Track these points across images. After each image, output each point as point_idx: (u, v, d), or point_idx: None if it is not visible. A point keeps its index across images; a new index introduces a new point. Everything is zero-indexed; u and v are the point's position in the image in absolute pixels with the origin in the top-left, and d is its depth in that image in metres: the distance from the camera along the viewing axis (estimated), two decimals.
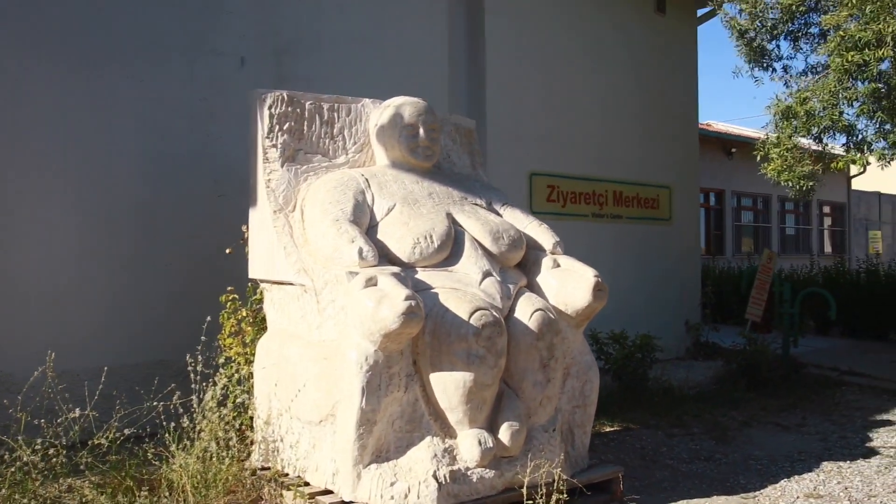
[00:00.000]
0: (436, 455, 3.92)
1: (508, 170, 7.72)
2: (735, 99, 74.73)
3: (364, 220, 4.34)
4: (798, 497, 4.69)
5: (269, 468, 4.33)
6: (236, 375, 4.63)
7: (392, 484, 3.84)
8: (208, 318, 4.56)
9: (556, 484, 4.10)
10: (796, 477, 5.06)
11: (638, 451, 5.67)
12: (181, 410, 4.33)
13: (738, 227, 19.53)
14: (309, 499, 4.02)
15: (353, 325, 3.88)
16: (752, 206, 20.17)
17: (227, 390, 4.57)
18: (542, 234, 4.77)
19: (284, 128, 4.59)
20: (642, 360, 7.16)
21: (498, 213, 4.82)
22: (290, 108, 4.63)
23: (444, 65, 7.38)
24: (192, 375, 4.40)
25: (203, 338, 4.48)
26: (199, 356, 4.41)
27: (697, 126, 10.10)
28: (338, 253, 4.12)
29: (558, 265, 4.62)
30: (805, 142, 7.64)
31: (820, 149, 7.78)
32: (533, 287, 4.56)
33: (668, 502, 4.56)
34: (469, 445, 3.97)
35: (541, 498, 4.06)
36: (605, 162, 8.66)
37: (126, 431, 4.27)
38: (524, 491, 4.02)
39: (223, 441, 4.24)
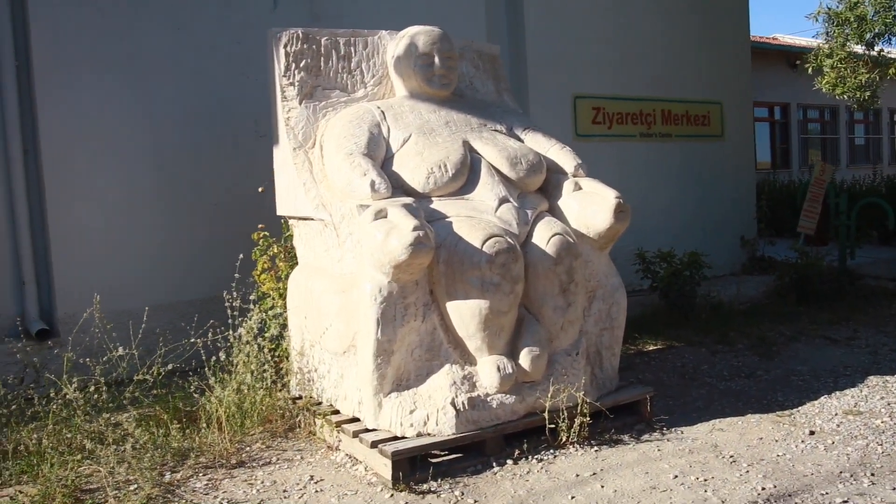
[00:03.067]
0: (454, 382, 3.71)
1: (551, 94, 7.26)
2: (801, 10, 69.96)
3: (379, 153, 4.07)
4: (836, 414, 4.30)
5: (303, 398, 4.22)
6: (271, 311, 4.50)
7: (411, 412, 3.66)
8: (241, 256, 4.42)
9: (579, 407, 3.86)
10: (837, 393, 4.65)
11: (678, 369, 5.33)
12: (219, 346, 4.26)
13: (805, 139, 18.34)
14: (336, 427, 3.89)
15: (366, 258, 3.66)
16: (818, 118, 18.87)
17: (264, 324, 4.45)
18: (564, 157, 4.40)
19: (301, 65, 4.32)
20: (690, 277, 6.73)
21: (519, 139, 4.47)
22: (305, 46, 4.35)
23: None
24: (228, 311, 4.31)
25: (237, 275, 4.36)
26: (235, 292, 4.30)
27: (749, 38, 9.29)
28: (351, 186, 3.88)
29: (580, 188, 4.26)
30: (859, 49, 6.89)
31: (875, 55, 7.00)
32: (554, 211, 4.23)
33: (698, 422, 4.24)
34: (488, 372, 3.74)
35: (563, 421, 3.82)
36: (651, 81, 8.05)
37: (169, 367, 4.23)
38: (546, 415, 3.80)
39: (258, 373, 4.15)
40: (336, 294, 3.92)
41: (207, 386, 4.10)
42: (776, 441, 3.93)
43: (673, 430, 4.14)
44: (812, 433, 4.02)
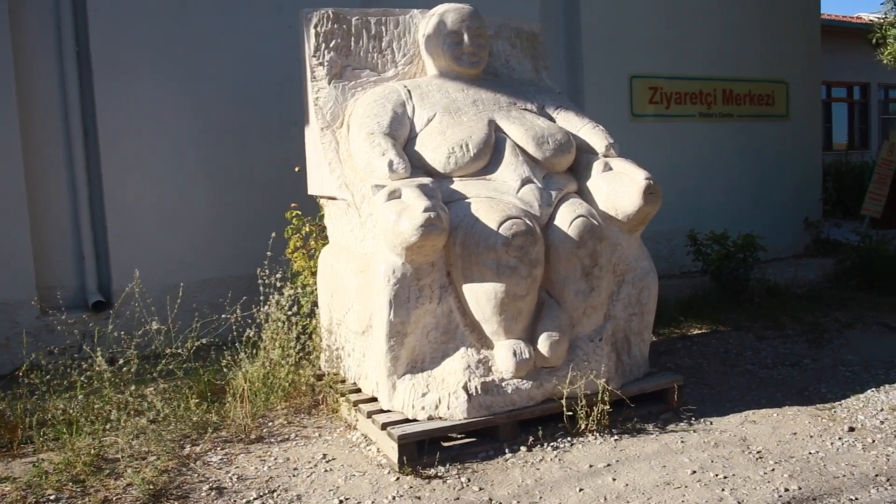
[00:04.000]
0: (469, 366, 3.47)
1: (606, 73, 6.85)
2: None
3: (402, 132, 3.84)
4: (882, 409, 3.85)
5: (333, 373, 4.07)
6: (302, 289, 4.36)
7: (424, 395, 3.45)
8: (273, 234, 4.29)
9: (600, 395, 3.56)
10: (887, 386, 4.18)
11: (720, 354, 4.92)
12: (250, 321, 4.16)
13: (886, 120, 17.00)
14: (354, 406, 3.72)
15: (381, 239, 3.45)
16: None
17: (296, 301, 4.31)
18: (595, 136, 4.05)
19: (331, 45, 4.12)
20: (744, 260, 6.25)
21: (550, 118, 4.15)
22: (335, 25, 4.14)
23: None
24: (261, 288, 4.20)
25: (269, 253, 4.24)
26: (268, 270, 4.18)
27: (819, 14, 8.54)
28: (371, 166, 3.67)
29: (610, 168, 3.91)
30: None
31: None
32: (583, 192, 3.91)
33: (730, 412, 3.87)
34: (504, 356, 3.49)
35: (581, 409, 3.53)
36: (712, 59, 7.49)
37: (204, 341, 4.16)
38: (563, 402, 3.52)
39: (285, 350, 4.02)
40: (356, 274, 3.73)
41: (235, 361, 4.00)
42: (811, 437, 3.54)
43: (701, 420, 3.78)
44: (852, 430, 3.60)
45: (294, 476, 3.28)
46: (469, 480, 3.17)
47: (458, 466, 3.30)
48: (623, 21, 6.85)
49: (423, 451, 3.32)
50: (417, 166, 3.73)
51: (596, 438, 3.55)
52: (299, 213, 4.50)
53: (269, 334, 4.03)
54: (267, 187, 5.45)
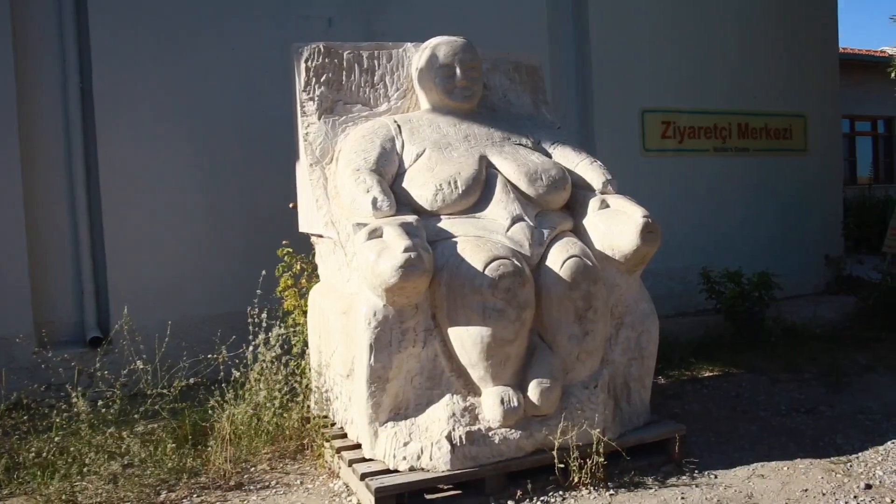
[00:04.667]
0: (454, 414, 3.18)
1: (617, 108, 6.58)
2: None
3: (390, 169, 3.60)
4: None
5: (322, 416, 3.79)
6: (294, 328, 4.12)
7: (405, 444, 3.16)
8: (263, 273, 4.08)
9: (594, 446, 3.24)
10: None
11: (731, 399, 4.55)
12: (237, 361, 3.92)
13: None
14: (336, 452, 3.45)
15: (362, 279, 3.20)
16: None
17: (287, 341, 4.07)
18: (592, 172, 3.77)
19: (322, 80, 3.92)
20: (759, 298, 5.87)
21: (547, 153, 3.89)
22: (327, 60, 3.95)
23: (542, 1, 6.31)
24: (250, 328, 3.97)
25: (258, 291, 4.02)
26: (257, 308, 3.96)
27: (837, 48, 8.18)
28: (356, 204, 3.43)
29: (608, 205, 3.63)
30: None
31: None
32: (579, 231, 3.62)
33: (737, 465, 3.51)
34: (491, 405, 3.19)
35: (574, 461, 3.21)
36: (727, 93, 7.17)
37: (191, 381, 3.93)
38: (555, 453, 3.20)
39: (270, 391, 3.77)
40: (340, 315, 3.48)
41: (219, 402, 3.76)
42: (823, 495, 3.17)
43: (705, 473, 3.43)
44: (868, 487, 3.23)
45: None
46: None
47: None
48: (635, 54, 6.59)
49: (402, 503, 3.03)
50: (405, 203, 3.48)
51: (590, 492, 3.22)
52: (290, 250, 4.28)
53: (254, 375, 3.79)
54: (267, 223, 5.24)
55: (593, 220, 3.60)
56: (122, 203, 4.90)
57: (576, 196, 3.73)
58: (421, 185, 3.48)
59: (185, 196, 5.07)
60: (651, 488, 3.27)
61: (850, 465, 3.47)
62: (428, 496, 3.16)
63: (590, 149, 6.43)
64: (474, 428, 3.17)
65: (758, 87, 7.36)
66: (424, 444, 3.14)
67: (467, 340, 3.18)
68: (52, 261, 4.84)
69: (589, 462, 3.22)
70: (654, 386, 4.71)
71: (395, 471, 3.14)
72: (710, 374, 5.09)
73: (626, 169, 6.60)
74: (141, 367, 3.80)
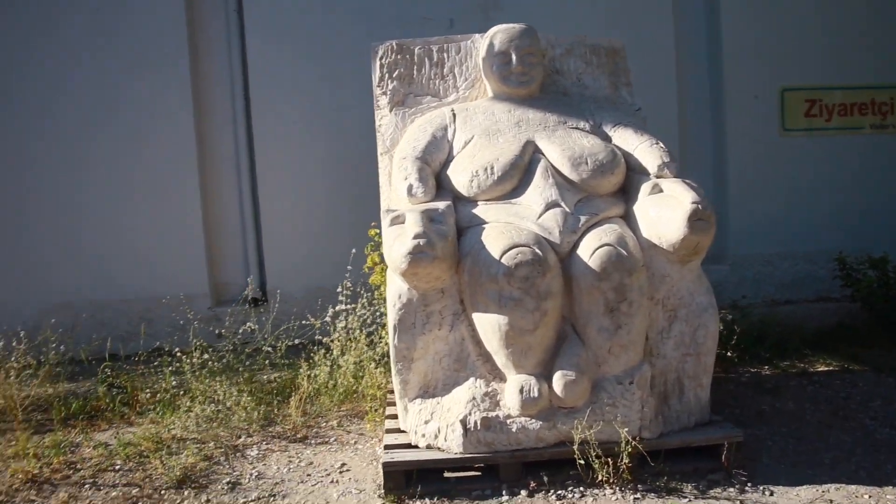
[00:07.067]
0: (474, 398, 2.75)
1: (752, 88, 5.36)
2: None
3: (438, 156, 3.19)
4: None
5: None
6: (382, 301, 3.90)
7: (426, 422, 2.82)
8: (353, 251, 3.92)
9: (623, 444, 2.61)
10: None
11: (836, 401, 3.51)
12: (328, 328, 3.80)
13: None
14: (384, 419, 3.18)
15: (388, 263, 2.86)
16: None
17: (373, 312, 3.87)
18: (650, 155, 3.02)
19: (394, 75, 3.59)
20: None
21: (607, 136, 3.20)
22: (399, 56, 3.60)
23: None
24: (340, 298, 3.84)
25: (349, 266, 3.87)
26: (349, 283, 3.82)
27: None
28: (397, 190, 3.09)
29: (660, 190, 2.88)
30: None
31: None
32: (629, 217, 2.93)
33: (804, 482, 2.66)
34: (511, 392, 2.72)
35: (596, 458, 2.61)
36: (883, 64, 5.53)
37: (296, 341, 3.92)
38: (575, 447, 2.63)
39: (350, 355, 3.61)
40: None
41: (310, 363, 3.68)
42: None
43: (759, 487, 2.64)
44: None
45: (302, 482, 2.87)
46: None
47: (446, 502, 2.61)
48: (769, 29, 5.30)
49: (411, 479, 2.69)
50: (448, 189, 3.07)
51: (613, 492, 2.62)
52: (378, 230, 4.04)
53: (338, 340, 3.65)
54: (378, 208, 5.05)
55: (644, 205, 2.89)
56: (274, 191, 5.02)
57: (631, 180, 3.04)
58: (461, 172, 3.04)
59: (317, 184, 5.03)
60: (685, 497, 2.58)
61: None
62: (447, 474, 2.77)
63: (719, 131, 5.37)
64: (492, 414, 2.71)
65: None
66: (442, 424, 2.76)
67: (487, 328, 2.73)
68: (224, 237, 5.11)
69: (614, 461, 2.60)
70: (751, 377, 3.84)
71: (415, 446, 2.80)
72: (825, 368, 3.99)
73: (763, 150, 5.41)
74: (252, 327, 3.85)
